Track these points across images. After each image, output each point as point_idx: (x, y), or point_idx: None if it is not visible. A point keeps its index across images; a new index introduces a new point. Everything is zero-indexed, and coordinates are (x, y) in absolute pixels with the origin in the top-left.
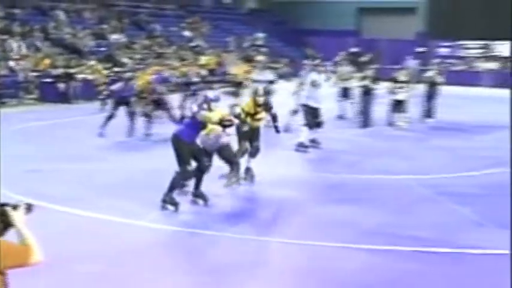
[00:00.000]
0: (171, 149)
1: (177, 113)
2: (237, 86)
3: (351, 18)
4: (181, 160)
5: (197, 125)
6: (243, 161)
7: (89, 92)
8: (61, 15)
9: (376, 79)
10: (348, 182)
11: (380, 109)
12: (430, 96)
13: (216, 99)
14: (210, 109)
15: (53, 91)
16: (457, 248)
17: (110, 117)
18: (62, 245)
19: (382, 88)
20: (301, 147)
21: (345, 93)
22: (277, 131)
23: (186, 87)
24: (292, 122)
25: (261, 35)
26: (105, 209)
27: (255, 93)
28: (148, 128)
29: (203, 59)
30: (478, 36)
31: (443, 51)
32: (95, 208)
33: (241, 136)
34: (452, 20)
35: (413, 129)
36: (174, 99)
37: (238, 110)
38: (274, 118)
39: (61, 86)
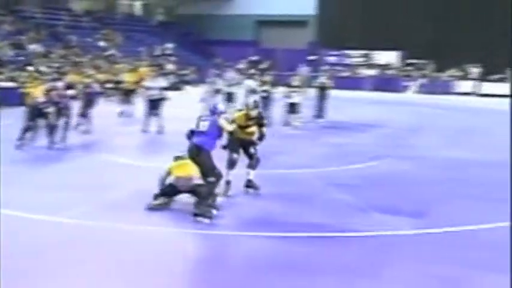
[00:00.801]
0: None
1: (79, 120)
2: (127, 93)
3: (251, 30)
4: (209, 169)
5: (217, 134)
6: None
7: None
8: None
9: (273, 84)
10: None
11: (277, 111)
12: (321, 99)
13: (225, 112)
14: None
15: None
16: (345, 232)
17: (26, 129)
18: None
19: (278, 92)
20: None
21: (229, 97)
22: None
23: (86, 95)
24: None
25: (170, 45)
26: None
27: (247, 106)
28: (52, 137)
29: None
30: (360, 46)
31: (331, 59)
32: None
33: (231, 147)
34: (338, 32)
35: (306, 129)
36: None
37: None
38: (261, 136)
39: None
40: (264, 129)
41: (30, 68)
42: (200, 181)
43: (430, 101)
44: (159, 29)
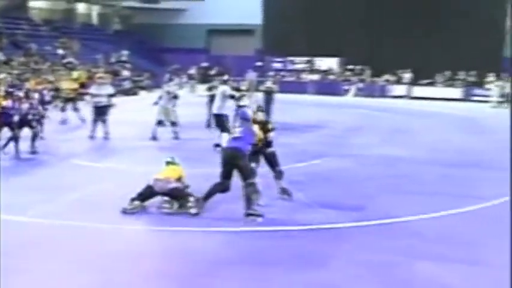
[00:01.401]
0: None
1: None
2: (67, 101)
3: (202, 38)
4: (248, 171)
5: (250, 139)
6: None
7: None
8: None
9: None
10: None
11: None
12: (268, 102)
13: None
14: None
15: None
16: (290, 226)
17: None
18: None
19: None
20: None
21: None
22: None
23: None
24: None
25: (125, 52)
26: None
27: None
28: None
29: (75, 74)
30: (303, 53)
31: (276, 65)
32: None
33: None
34: (283, 40)
35: None
36: None
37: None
38: (268, 143)
39: None
40: (271, 134)
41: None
42: (177, 185)
43: (367, 103)
44: (115, 37)
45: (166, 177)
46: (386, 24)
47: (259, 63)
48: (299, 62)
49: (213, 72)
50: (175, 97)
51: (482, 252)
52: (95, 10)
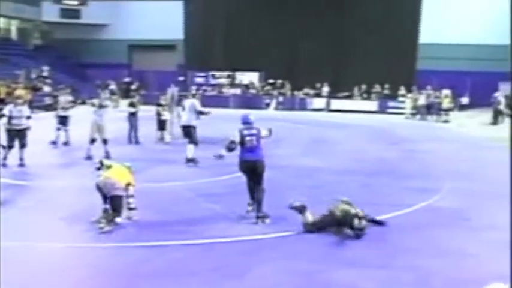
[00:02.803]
0: None
1: None
2: None
3: (124, 53)
4: (262, 178)
5: (260, 141)
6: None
7: None
8: None
9: (143, 103)
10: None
11: (145, 128)
12: None
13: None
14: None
15: None
16: (211, 238)
17: None
18: None
19: (149, 111)
20: (191, 162)
21: (63, 121)
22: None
23: None
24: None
25: (46, 68)
26: None
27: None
28: None
29: None
30: (225, 68)
31: (198, 80)
32: None
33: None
34: (204, 55)
35: (177, 144)
36: None
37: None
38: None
39: None
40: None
41: None
42: (121, 193)
43: (288, 116)
44: (35, 52)
45: (117, 180)
46: (304, 39)
47: (181, 78)
48: (220, 77)
49: (134, 87)
50: (103, 106)
51: (401, 258)
52: (14, 25)
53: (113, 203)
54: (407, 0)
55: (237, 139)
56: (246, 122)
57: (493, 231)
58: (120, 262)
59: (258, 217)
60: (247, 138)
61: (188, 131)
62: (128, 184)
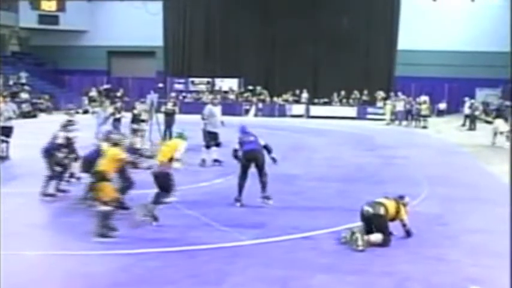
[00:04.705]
0: None
1: None
2: None
3: (103, 60)
4: (263, 165)
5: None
6: None
7: None
8: None
9: (124, 110)
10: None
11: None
12: (168, 123)
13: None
14: None
15: None
16: (191, 245)
17: None
18: None
19: (127, 117)
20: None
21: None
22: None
23: None
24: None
25: (23, 74)
26: None
27: None
28: None
29: None
30: (204, 74)
31: (178, 86)
32: None
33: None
34: (183, 62)
35: (154, 151)
36: None
37: None
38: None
39: None
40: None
41: None
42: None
43: (267, 123)
44: (12, 59)
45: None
46: (282, 46)
47: (160, 85)
48: (200, 83)
49: (114, 94)
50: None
51: (377, 264)
52: None
53: (158, 182)
54: (385, 8)
55: (238, 146)
56: (244, 131)
57: (470, 235)
58: (98, 270)
59: (263, 197)
60: (246, 138)
61: (215, 136)
62: (171, 159)
